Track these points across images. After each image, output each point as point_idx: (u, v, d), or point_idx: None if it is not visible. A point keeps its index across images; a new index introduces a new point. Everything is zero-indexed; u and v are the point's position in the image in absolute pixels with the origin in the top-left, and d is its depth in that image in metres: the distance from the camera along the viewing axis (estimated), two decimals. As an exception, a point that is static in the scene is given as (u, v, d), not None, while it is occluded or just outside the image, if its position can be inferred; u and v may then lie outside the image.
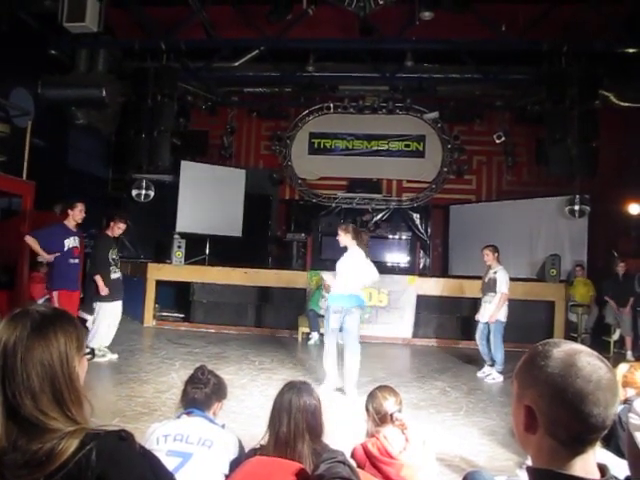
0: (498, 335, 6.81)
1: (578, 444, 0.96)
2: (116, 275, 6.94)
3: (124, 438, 1.09)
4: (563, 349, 1.01)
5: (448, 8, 7.44)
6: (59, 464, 1.01)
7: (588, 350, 1.01)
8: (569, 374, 0.96)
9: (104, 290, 6.65)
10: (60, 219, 6.67)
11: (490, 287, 6.88)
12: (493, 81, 10.26)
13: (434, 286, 9.42)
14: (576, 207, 9.59)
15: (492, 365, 6.84)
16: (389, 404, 2.52)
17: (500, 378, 6.70)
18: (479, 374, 6.90)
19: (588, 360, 0.98)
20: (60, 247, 6.27)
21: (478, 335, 7.03)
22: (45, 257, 6.32)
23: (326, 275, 6.37)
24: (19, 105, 8.84)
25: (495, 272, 6.87)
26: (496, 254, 6.92)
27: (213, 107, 12.08)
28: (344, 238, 5.83)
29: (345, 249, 5.89)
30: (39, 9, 8.06)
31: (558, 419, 0.96)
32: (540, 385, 0.98)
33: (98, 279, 6.65)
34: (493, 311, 6.77)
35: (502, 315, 6.80)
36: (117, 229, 7.01)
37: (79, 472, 1.01)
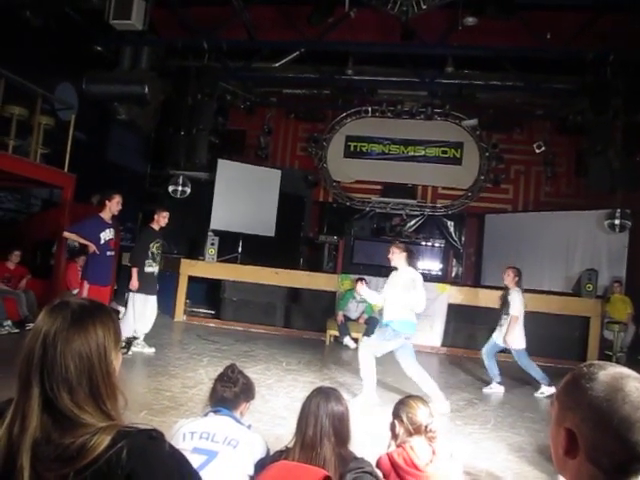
0: (524, 361, 6.61)
1: (621, 474, 0.91)
2: (151, 269, 6.92)
3: (154, 437, 1.08)
4: (609, 372, 0.96)
5: (493, 14, 7.31)
6: (90, 460, 1.01)
7: (636, 375, 0.96)
8: (615, 399, 0.91)
9: (134, 285, 6.72)
10: (96, 210, 6.76)
11: (505, 309, 6.64)
12: (535, 90, 10.10)
13: (466, 295, 9.28)
14: (616, 221, 9.35)
15: (544, 383, 6.59)
16: (424, 415, 2.48)
17: (551, 390, 6.35)
18: (485, 390, 6.62)
19: (637, 385, 0.93)
20: (96, 240, 6.35)
21: (485, 349, 6.75)
22: (91, 247, 6.37)
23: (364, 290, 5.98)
24: (64, 99, 9.08)
25: (510, 294, 6.62)
26: (517, 278, 6.61)
27: (251, 107, 12.19)
28: (398, 257, 5.59)
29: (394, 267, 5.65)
30: (86, 6, 8.25)
31: (601, 446, 0.91)
32: (583, 409, 0.94)
33: (133, 272, 6.72)
34: (505, 334, 6.49)
35: (520, 342, 6.54)
36: (162, 219, 7.03)
37: (109, 469, 1.00)
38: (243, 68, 10.17)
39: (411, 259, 5.71)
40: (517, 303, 6.50)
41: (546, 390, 6.50)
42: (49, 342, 1.07)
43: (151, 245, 6.92)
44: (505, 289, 6.78)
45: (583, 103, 9.29)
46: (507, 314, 6.55)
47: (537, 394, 6.56)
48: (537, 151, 11.26)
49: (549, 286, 9.99)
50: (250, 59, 9.94)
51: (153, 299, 7.03)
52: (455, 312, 9.22)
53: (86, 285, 6.38)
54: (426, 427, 2.45)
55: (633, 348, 9.29)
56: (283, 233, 11.49)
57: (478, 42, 8.29)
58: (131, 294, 6.84)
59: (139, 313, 6.88)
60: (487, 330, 8.83)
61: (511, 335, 6.44)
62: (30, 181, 8.01)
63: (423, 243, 11.37)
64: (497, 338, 6.67)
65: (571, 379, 1.00)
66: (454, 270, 11.99)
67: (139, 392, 5.08)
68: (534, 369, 6.61)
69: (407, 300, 5.44)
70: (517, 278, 6.64)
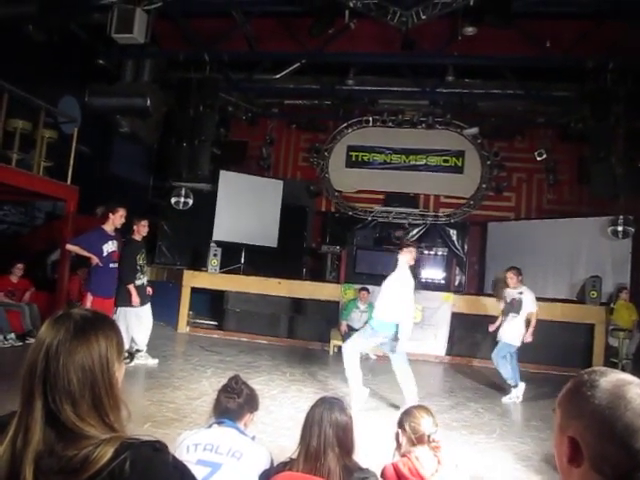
0: (501, 356, 6.63)
1: None
2: (141, 281, 6.86)
3: (158, 449, 1.08)
4: (611, 379, 0.95)
5: (491, 24, 7.36)
6: (93, 472, 1.00)
7: (638, 381, 0.95)
8: (618, 406, 0.90)
9: (136, 301, 6.62)
10: (99, 223, 6.77)
11: (514, 308, 6.66)
12: (535, 98, 10.12)
13: (469, 304, 9.25)
14: (619, 228, 9.33)
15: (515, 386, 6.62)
16: (427, 425, 2.46)
17: (519, 390, 6.49)
18: (504, 399, 6.56)
19: (638, 392, 0.92)
20: (98, 252, 6.35)
21: (493, 354, 6.75)
22: (94, 259, 6.35)
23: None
24: (67, 112, 9.13)
25: (520, 293, 6.65)
26: (520, 277, 6.69)
27: (253, 118, 12.24)
28: (405, 257, 5.66)
29: (395, 265, 5.72)
30: (89, 21, 8.33)
31: (605, 454, 0.90)
32: (586, 417, 0.93)
33: (131, 288, 6.62)
34: (530, 332, 6.54)
35: (517, 338, 6.57)
36: (142, 228, 6.90)
37: None
38: (244, 79, 10.24)
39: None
40: (532, 299, 6.60)
41: (513, 393, 6.51)
42: (52, 354, 1.07)
43: (137, 258, 6.83)
44: (512, 289, 6.77)
45: (584, 110, 9.29)
46: (517, 313, 6.60)
47: (504, 399, 6.52)
48: (538, 159, 11.28)
49: (553, 293, 9.94)
50: (251, 70, 10.01)
51: (147, 307, 6.98)
52: (459, 321, 9.18)
53: (89, 297, 6.38)
54: (429, 437, 2.43)
55: (639, 355, 9.23)
56: (285, 243, 11.50)
57: (478, 51, 8.34)
58: (120, 309, 6.71)
59: (136, 324, 6.84)
60: (491, 338, 8.81)
61: (530, 333, 6.53)
62: (33, 194, 8.04)
63: (426, 252, 11.35)
64: (502, 337, 6.69)
65: (572, 387, 0.99)
66: (457, 279, 11.96)
67: (142, 404, 5.06)
68: (504, 368, 6.61)
69: (392, 299, 5.52)
70: (520, 277, 6.72)
